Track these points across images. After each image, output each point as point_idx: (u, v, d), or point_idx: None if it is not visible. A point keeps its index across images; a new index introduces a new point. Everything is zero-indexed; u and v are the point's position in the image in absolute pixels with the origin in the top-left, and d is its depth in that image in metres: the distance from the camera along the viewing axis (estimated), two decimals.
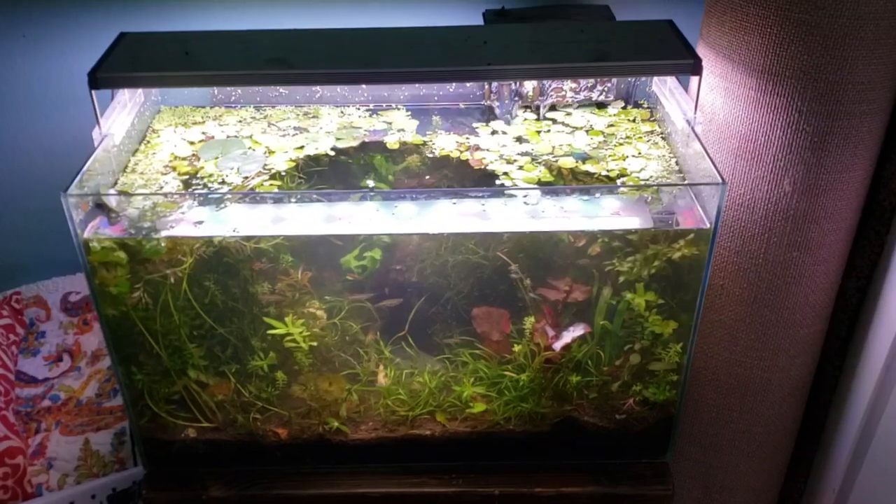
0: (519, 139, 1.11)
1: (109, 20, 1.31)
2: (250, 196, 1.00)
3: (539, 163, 1.06)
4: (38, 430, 1.28)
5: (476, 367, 1.06)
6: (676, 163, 1.06)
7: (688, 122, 1.03)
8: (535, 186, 1.02)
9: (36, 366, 1.39)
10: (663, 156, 1.08)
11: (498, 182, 1.02)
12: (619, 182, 1.02)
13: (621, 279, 0.99)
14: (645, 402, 1.08)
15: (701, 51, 1.08)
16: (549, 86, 1.15)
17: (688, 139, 1.03)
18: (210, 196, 0.99)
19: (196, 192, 1.01)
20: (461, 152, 1.09)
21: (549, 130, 1.14)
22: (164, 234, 0.95)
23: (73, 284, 1.51)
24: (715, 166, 0.94)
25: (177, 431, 1.08)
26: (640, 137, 1.12)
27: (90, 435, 1.26)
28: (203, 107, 1.20)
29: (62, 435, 1.26)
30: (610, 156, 1.07)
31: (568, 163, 1.06)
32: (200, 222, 0.96)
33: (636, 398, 1.07)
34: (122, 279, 0.96)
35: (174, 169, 1.06)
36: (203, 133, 1.13)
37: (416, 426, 1.09)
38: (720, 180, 0.92)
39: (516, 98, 1.15)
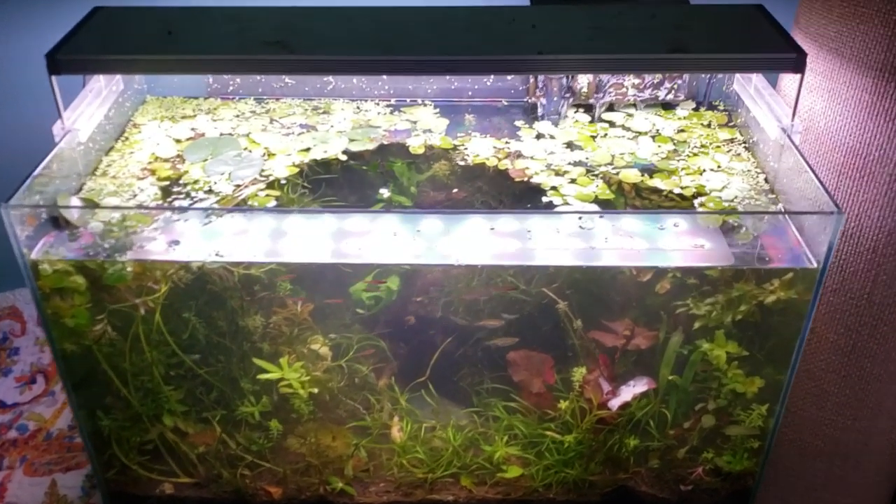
0: (570, 145, 0.98)
1: None
2: (239, 211, 0.83)
3: (595, 175, 0.91)
4: (0, 467, 1.13)
5: (511, 424, 0.93)
6: (766, 180, 0.89)
7: (783, 130, 0.86)
8: (596, 210, 0.86)
9: (6, 388, 1.28)
10: (748, 170, 0.92)
11: (545, 199, 0.88)
12: (696, 204, 0.86)
13: (696, 324, 0.83)
14: (717, 472, 0.94)
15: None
16: (608, 81, 0.97)
17: (781, 151, 0.86)
18: (190, 209, 0.83)
19: (175, 204, 0.85)
20: (499, 160, 0.95)
21: (606, 135, 1.00)
22: (129, 255, 0.79)
23: None
24: (826, 190, 0.76)
25: (151, 486, 0.97)
26: (719, 147, 0.95)
27: (58, 476, 1.15)
28: (196, 97, 1.07)
29: (26, 475, 1.14)
30: (683, 168, 0.90)
31: (631, 176, 0.91)
32: (177, 242, 0.79)
33: (706, 467, 0.93)
34: (81, 309, 0.82)
35: (153, 173, 0.92)
36: (192, 129, 1.01)
37: (436, 490, 0.97)
38: (834, 208, 0.74)
39: (567, 94, 0.99)
